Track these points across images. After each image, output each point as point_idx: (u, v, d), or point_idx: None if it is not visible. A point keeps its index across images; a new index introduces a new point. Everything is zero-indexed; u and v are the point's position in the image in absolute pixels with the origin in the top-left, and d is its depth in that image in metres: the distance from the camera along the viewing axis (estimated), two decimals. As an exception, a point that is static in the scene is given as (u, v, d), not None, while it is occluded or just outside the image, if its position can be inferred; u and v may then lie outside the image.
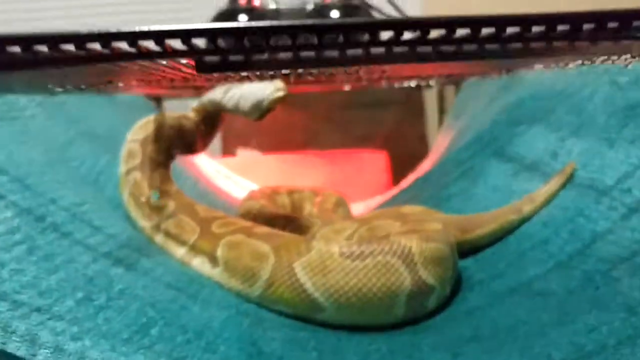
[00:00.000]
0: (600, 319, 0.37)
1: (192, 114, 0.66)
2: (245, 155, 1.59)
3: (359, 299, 0.46)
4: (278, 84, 0.52)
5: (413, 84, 0.86)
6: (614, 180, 0.51)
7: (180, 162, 0.98)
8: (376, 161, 1.46)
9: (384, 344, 0.45)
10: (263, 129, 1.62)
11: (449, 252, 0.52)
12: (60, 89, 0.43)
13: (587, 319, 0.38)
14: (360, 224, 0.66)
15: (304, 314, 0.48)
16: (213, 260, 0.53)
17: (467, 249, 0.60)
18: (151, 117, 0.64)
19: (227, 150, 1.66)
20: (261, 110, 0.53)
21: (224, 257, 0.52)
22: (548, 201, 0.58)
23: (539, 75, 0.86)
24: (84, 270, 0.42)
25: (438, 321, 0.48)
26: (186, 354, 0.36)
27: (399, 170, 1.41)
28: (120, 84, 0.43)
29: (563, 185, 0.58)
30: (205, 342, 0.39)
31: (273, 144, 1.60)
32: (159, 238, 0.57)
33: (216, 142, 1.75)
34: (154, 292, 0.44)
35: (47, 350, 0.30)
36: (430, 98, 1.74)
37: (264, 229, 0.55)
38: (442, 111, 1.63)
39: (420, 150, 1.63)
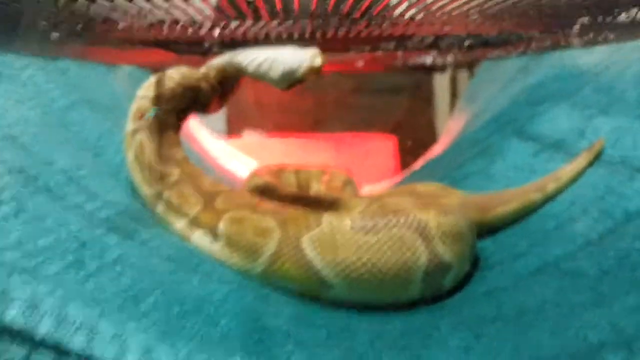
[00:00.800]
0: (640, 301, 0.34)
1: (210, 72, 0.61)
2: (250, 136, 1.55)
3: (372, 275, 0.43)
4: (315, 51, 0.47)
5: (429, 60, 0.82)
6: None
7: (185, 138, 0.95)
8: (385, 146, 1.43)
9: (399, 322, 0.42)
10: (270, 111, 1.59)
11: (467, 227, 0.48)
12: (55, 33, 0.40)
13: (626, 300, 0.35)
14: (370, 200, 0.63)
15: (311, 292, 0.45)
16: (214, 234, 0.49)
17: (486, 230, 0.56)
18: (166, 73, 0.59)
19: (233, 131, 1.63)
20: (291, 80, 0.49)
21: (226, 232, 0.48)
22: (574, 179, 0.54)
23: (560, 56, 0.82)
24: (76, 234, 0.38)
25: (456, 301, 0.44)
26: (184, 324, 0.33)
27: (406, 157, 1.37)
28: (121, 24, 0.39)
29: (591, 163, 0.54)
30: (205, 315, 0.35)
31: (279, 126, 1.56)
32: (160, 207, 0.54)
33: (221, 122, 1.72)
34: (151, 263, 0.41)
35: (20, 303, 0.26)
36: (440, 85, 1.70)
37: (271, 205, 0.51)
38: (454, 96, 1.58)
39: (428, 138, 1.60)
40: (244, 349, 0.32)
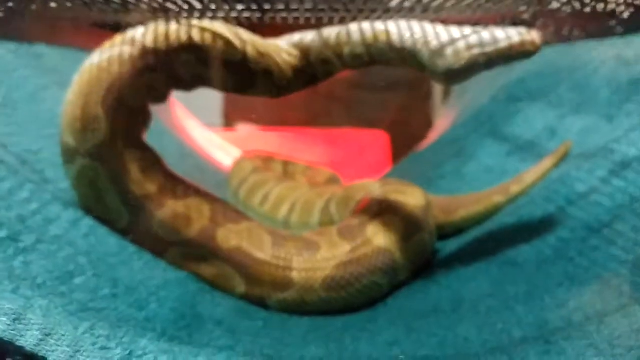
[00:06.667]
0: (570, 294, 0.33)
1: (293, 53, 0.47)
2: (244, 129, 1.55)
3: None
4: (528, 32, 0.35)
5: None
6: (600, 147, 0.46)
7: (167, 123, 0.95)
8: (376, 140, 1.42)
9: (339, 318, 0.42)
10: (264, 105, 1.58)
11: (428, 239, 0.49)
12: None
13: (557, 293, 0.34)
14: (340, 188, 0.64)
15: None
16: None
17: (451, 231, 0.56)
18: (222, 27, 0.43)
19: (228, 123, 1.63)
20: (461, 64, 0.35)
21: (179, 265, 0.43)
22: (538, 181, 0.53)
23: (543, 52, 0.81)
24: (19, 208, 0.38)
25: (399, 294, 0.44)
26: (106, 306, 0.33)
27: (402, 153, 1.37)
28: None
29: (556, 165, 0.53)
30: (135, 299, 0.35)
31: (273, 120, 1.56)
32: (72, 177, 0.43)
33: (216, 114, 1.72)
34: (97, 242, 0.41)
35: None
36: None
37: (233, 238, 0.44)
38: (448, 93, 1.57)
39: (425, 135, 1.59)
40: (163, 332, 0.32)
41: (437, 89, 1.67)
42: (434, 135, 1.07)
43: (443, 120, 1.14)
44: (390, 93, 1.64)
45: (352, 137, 1.45)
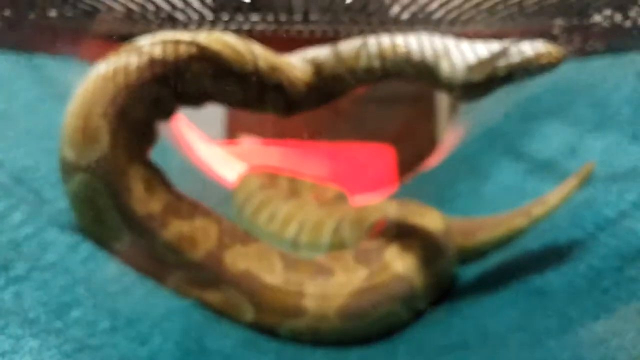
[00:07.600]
0: (609, 329, 0.31)
1: (306, 70, 0.44)
2: (247, 142, 1.53)
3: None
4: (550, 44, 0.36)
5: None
6: (628, 168, 0.44)
7: (168, 136, 0.93)
8: (382, 155, 1.40)
9: (354, 350, 0.39)
10: (267, 117, 1.56)
11: (448, 265, 0.46)
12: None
13: (593, 328, 0.32)
14: (351, 208, 0.61)
15: None
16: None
17: (471, 255, 0.53)
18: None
19: (231, 136, 1.61)
20: (480, 77, 0.35)
21: (183, 293, 0.40)
22: (562, 203, 0.51)
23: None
24: (11, 233, 0.35)
25: (419, 325, 0.41)
26: (105, 342, 0.30)
27: (406, 168, 1.35)
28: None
29: (580, 186, 0.51)
30: (137, 332, 0.33)
31: (277, 133, 1.54)
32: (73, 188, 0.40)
33: (219, 126, 1.70)
34: (96, 268, 0.38)
35: None
36: (442, 95, 1.68)
37: (241, 261, 0.41)
38: (454, 107, 1.56)
39: (429, 149, 1.57)
40: (169, 372, 0.29)
41: (442, 104, 1.65)
42: (441, 153, 1.05)
43: (451, 137, 1.11)
44: (393, 106, 1.62)
45: (356, 151, 1.42)
